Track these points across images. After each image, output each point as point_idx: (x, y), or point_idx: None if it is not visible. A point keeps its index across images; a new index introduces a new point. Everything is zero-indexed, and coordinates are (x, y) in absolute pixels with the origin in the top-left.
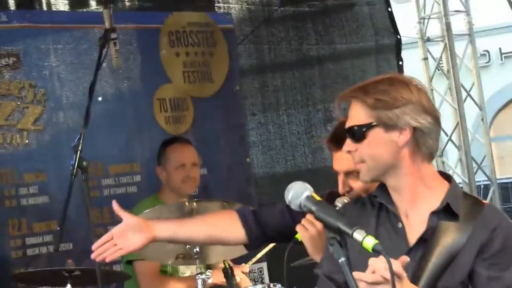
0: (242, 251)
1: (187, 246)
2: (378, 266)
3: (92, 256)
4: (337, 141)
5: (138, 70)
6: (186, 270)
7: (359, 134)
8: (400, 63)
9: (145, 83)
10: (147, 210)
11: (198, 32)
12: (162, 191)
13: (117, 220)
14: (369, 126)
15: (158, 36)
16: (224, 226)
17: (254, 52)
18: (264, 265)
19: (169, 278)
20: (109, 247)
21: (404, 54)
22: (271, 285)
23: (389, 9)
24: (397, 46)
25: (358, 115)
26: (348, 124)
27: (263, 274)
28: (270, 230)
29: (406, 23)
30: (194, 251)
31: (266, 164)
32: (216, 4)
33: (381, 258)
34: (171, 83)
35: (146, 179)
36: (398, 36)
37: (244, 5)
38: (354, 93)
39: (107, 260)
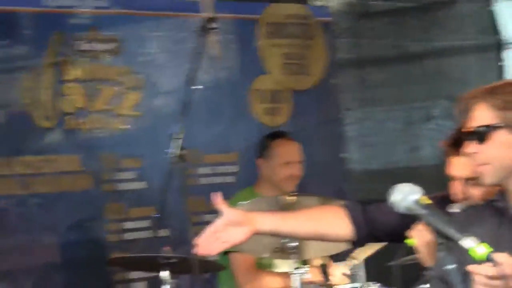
0: (340, 247)
1: (283, 240)
2: (499, 261)
3: (196, 249)
4: (456, 146)
5: (235, 60)
6: (282, 264)
7: (483, 135)
8: (502, 63)
9: (243, 73)
10: (243, 203)
11: (296, 24)
12: (259, 184)
13: (212, 209)
14: (495, 127)
15: (256, 26)
16: (331, 221)
17: (352, 46)
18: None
19: (265, 272)
20: (213, 240)
21: (507, 54)
22: (371, 283)
23: (492, 8)
24: (499, 46)
25: (483, 116)
26: (471, 125)
27: (358, 272)
28: (379, 229)
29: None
30: (292, 246)
31: (362, 160)
32: None
33: (503, 254)
34: (268, 74)
35: (243, 169)
36: (501, 36)
37: None
38: (480, 94)
39: (212, 253)
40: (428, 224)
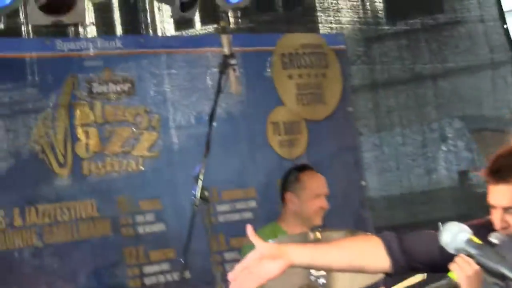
0: (369, 280)
1: (312, 277)
2: None
3: (230, 286)
4: (496, 174)
5: (250, 93)
6: None
7: None
8: None
9: (258, 106)
10: (270, 241)
11: (311, 54)
12: (283, 218)
13: (232, 247)
14: None
15: (270, 58)
16: (368, 253)
17: (366, 72)
18: None
19: None
20: (247, 276)
21: None
22: None
23: (505, 26)
24: None
25: None
26: None
27: None
28: (416, 260)
29: None
30: (320, 282)
31: (380, 186)
32: (328, 25)
33: None
34: (284, 105)
35: (261, 205)
36: None
37: (356, 25)
38: None
39: None
40: (480, 264)
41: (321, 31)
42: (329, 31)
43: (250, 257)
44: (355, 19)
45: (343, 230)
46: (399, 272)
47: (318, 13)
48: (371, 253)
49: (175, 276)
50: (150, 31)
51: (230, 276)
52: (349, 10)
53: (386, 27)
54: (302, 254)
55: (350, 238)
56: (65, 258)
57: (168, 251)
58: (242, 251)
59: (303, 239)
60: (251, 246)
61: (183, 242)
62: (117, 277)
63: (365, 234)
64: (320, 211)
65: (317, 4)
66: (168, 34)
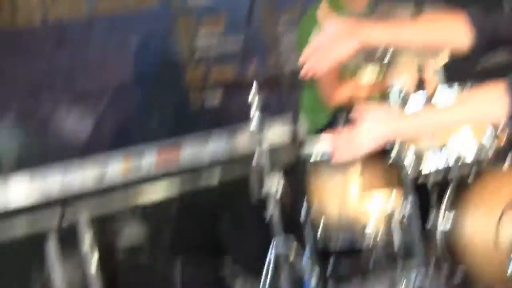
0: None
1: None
2: None
3: (302, 73)
4: None
5: None
6: (368, 72)
7: None
8: None
9: None
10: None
11: None
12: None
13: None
14: None
15: None
16: (449, 30)
17: None
18: None
19: (349, 82)
20: (320, 56)
21: None
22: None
23: None
24: None
25: None
26: None
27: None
28: (500, 40)
29: None
30: (386, 53)
31: None
32: None
33: None
34: None
35: None
36: None
37: None
38: None
39: (320, 71)
40: None
41: None
42: None
43: (322, 36)
44: None
45: (409, 4)
46: (478, 48)
47: None
48: (452, 30)
49: (226, 47)
50: None
51: (301, 59)
52: None
53: None
54: (378, 34)
55: (431, 15)
56: (115, 29)
57: (218, 21)
58: (300, 27)
59: (367, 15)
60: (310, 21)
61: (234, 13)
62: (168, 48)
63: (433, 8)
64: None
65: None
66: None
